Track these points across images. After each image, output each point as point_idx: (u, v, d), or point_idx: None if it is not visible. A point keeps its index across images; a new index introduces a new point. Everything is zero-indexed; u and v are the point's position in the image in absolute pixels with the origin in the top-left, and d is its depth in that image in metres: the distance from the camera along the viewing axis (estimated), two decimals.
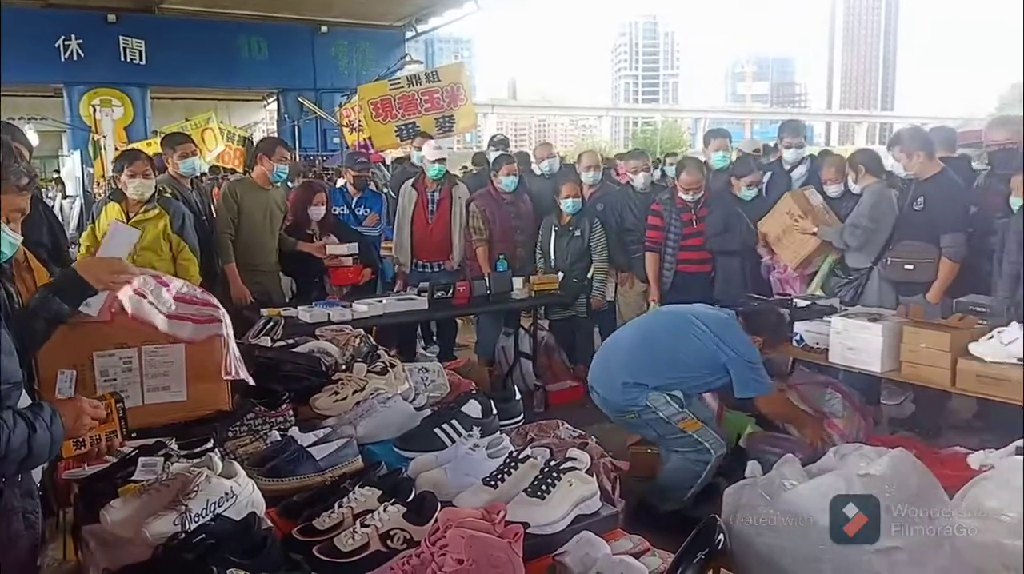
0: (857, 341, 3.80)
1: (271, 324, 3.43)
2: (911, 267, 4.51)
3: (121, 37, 15.54)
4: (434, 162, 5.67)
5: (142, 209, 4.35)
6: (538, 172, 6.31)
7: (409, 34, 18.34)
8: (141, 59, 15.76)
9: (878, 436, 4.01)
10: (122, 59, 15.61)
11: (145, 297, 2.12)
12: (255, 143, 9.71)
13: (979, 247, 4.46)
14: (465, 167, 10.92)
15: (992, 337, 3.42)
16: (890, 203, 4.68)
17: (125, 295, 2.05)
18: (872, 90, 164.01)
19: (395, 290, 5.57)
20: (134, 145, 10.94)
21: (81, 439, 1.76)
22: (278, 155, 4.98)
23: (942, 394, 4.13)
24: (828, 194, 5.08)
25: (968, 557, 2.19)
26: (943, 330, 3.59)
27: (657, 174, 5.97)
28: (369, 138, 9.38)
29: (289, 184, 7.05)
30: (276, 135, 16.35)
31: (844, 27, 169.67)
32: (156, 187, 4.43)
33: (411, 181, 5.83)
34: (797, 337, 4.16)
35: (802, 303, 4.41)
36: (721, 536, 1.84)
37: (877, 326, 3.74)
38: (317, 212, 5.14)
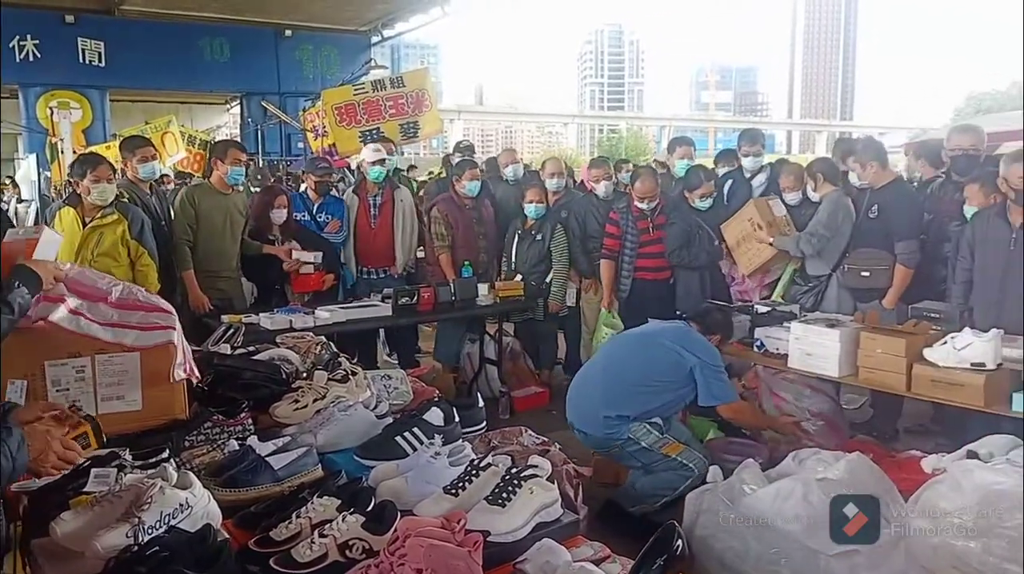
0: (815, 347, 3.86)
1: (231, 331, 3.38)
2: (867, 274, 4.59)
3: (80, 38, 15.21)
4: (373, 164, 5.55)
5: (99, 214, 4.27)
6: (503, 178, 6.32)
7: (375, 39, 18.23)
8: (100, 61, 15.44)
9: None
10: (81, 61, 15.27)
11: (82, 315, 2.09)
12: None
13: (933, 254, 4.57)
14: (431, 172, 10.90)
15: (946, 342, 3.49)
16: (848, 211, 4.76)
17: (62, 316, 2.02)
18: (832, 100, 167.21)
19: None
20: (92, 148, 10.74)
21: None
22: (231, 158, 4.89)
23: (898, 398, 4.20)
24: (787, 202, 5.14)
25: (921, 558, 2.24)
26: (899, 336, 3.66)
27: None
28: (333, 144, 9.32)
29: (253, 189, 6.97)
30: (239, 139, 16.17)
31: (804, 38, 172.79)
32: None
33: (352, 187, 5.76)
34: (758, 342, 4.22)
35: (763, 309, 4.47)
36: (680, 542, 1.85)
37: (835, 332, 3.80)
38: (279, 215, 5.08)
